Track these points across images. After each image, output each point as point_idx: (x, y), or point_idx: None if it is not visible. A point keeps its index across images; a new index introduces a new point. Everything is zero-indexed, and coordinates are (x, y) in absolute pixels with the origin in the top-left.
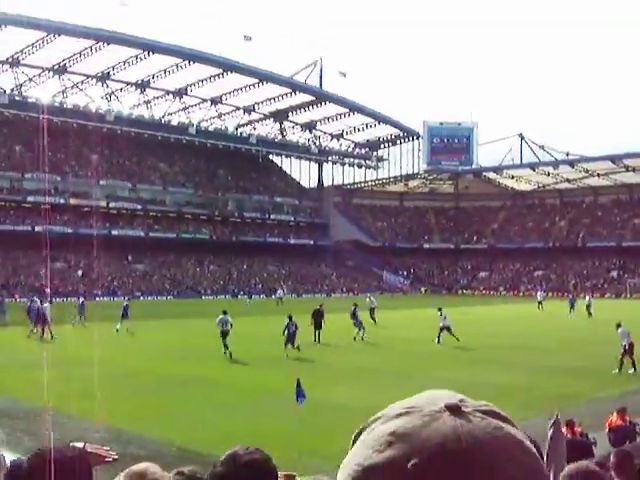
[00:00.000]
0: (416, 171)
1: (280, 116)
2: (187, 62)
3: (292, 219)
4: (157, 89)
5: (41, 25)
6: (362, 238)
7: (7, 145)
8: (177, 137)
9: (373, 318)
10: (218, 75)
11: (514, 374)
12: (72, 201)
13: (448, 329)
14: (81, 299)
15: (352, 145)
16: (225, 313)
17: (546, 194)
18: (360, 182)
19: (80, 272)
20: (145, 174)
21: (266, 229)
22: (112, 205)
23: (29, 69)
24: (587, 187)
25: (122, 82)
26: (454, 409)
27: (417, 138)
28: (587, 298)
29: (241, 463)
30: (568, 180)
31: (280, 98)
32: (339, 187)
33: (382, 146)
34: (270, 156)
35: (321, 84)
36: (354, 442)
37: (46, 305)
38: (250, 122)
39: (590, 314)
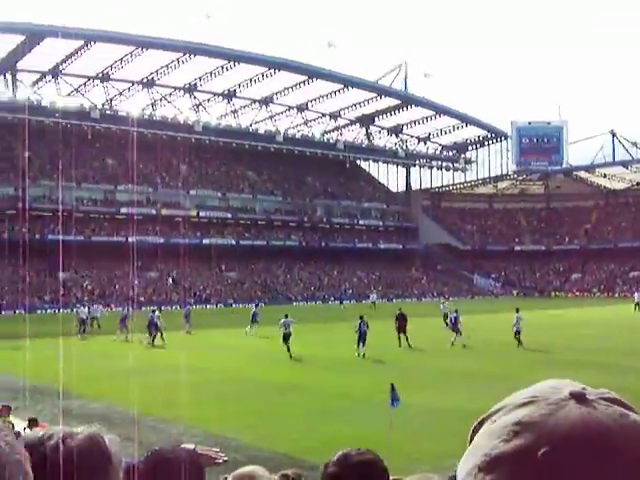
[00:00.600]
0: (505, 172)
1: (366, 121)
2: (272, 70)
3: (381, 224)
4: (243, 98)
5: (129, 40)
6: (452, 241)
7: (100, 158)
8: (265, 145)
9: (446, 323)
10: (303, 82)
11: (616, 377)
12: (163, 212)
13: (518, 332)
14: (187, 307)
15: (439, 148)
16: (287, 316)
17: None
18: (448, 185)
19: (170, 280)
20: (234, 183)
21: (355, 234)
22: (202, 214)
23: (119, 83)
24: None
25: (209, 93)
26: (579, 397)
27: (505, 139)
28: None
29: (353, 463)
30: None
31: (366, 103)
32: (427, 190)
33: (470, 148)
34: (357, 161)
35: (406, 87)
36: (473, 434)
37: (157, 314)
38: (336, 128)
39: None
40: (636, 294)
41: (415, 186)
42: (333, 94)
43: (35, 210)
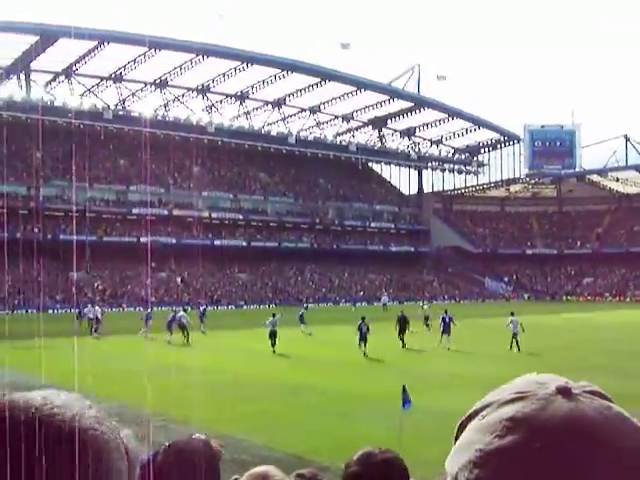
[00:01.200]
0: (517, 176)
1: (379, 123)
2: (285, 72)
3: (392, 226)
4: (256, 100)
5: (142, 41)
6: (463, 244)
7: (112, 159)
8: (277, 147)
9: (427, 325)
10: (316, 84)
11: (627, 381)
12: (175, 212)
13: (515, 335)
14: (202, 307)
15: (452, 151)
16: (274, 316)
17: None
18: (460, 188)
19: (179, 279)
20: (246, 184)
21: (367, 237)
22: (214, 216)
23: (132, 84)
24: None
25: (222, 94)
26: (565, 391)
27: (518, 142)
28: None
29: (376, 461)
30: None
31: (378, 105)
32: (439, 193)
33: (482, 151)
34: (369, 164)
35: (419, 90)
36: (460, 430)
37: (183, 314)
38: (349, 130)
39: None
40: None
41: (427, 189)
42: (346, 96)
43: (48, 210)
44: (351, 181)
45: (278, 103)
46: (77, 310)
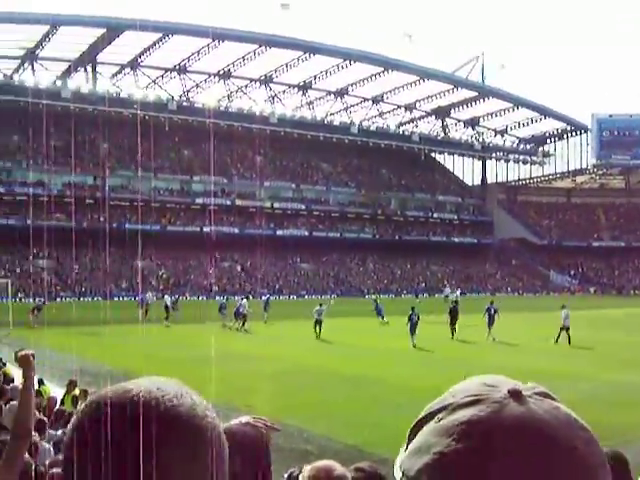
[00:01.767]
0: (584, 166)
1: (442, 113)
2: (348, 62)
3: (455, 217)
4: (319, 90)
5: (206, 32)
6: (527, 236)
7: (176, 149)
8: (339, 137)
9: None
10: (379, 74)
11: None
12: (238, 202)
13: (567, 329)
14: (266, 297)
15: (516, 141)
16: (321, 305)
17: None
18: (525, 179)
19: (239, 268)
20: (308, 174)
21: (429, 228)
22: (277, 206)
23: (195, 75)
24: None
25: (284, 84)
26: (517, 394)
27: (585, 132)
28: None
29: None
30: None
31: (442, 95)
32: (503, 184)
33: (548, 141)
34: (432, 154)
35: (483, 79)
36: (413, 432)
37: (244, 302)
38: (412, 120)
39: None
40: None
41: (491, 179)
42: (409, 86)
43: (113, 200)
44: (414, 171)
45: (341, 93)
46: (139, 298)
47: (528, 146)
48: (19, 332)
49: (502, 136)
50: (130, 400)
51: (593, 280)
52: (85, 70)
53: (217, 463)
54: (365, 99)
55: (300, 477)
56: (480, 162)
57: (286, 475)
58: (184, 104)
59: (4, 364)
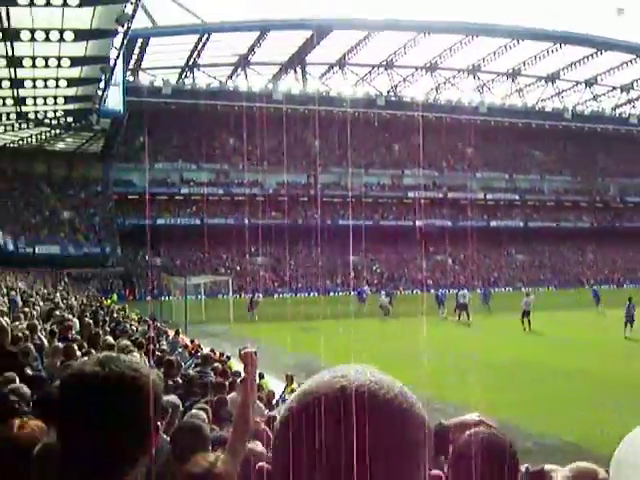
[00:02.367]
0: None
1: None
2: (557, 45)
3: None
4: (528, 76)
5: (411, 26)
6: None
7: (386, 144)
8: (552, 123)
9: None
10: (590, 55)
11: None
12: (450, 195)
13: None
14: (484, 289)
15: None
16: (527, 296)
17: None
18: None
19: (451, 260)
20: (521, 163)
21: None
22: (489, 197)
23: (402, 70)
24: None
25: (492, 73)
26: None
27: None
28: None
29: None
30: None
31: None
32: None
33: None
34: None
35: None
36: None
37: (465, 292)
38: (629, 101)
39: None
40: None
41: None
42: (624, 65)
43: (326, 197)
44: (633, 155)
45: (552, 78)
46: (356, 292)
47: None
48: (238, 327)
49: None
50: (342, 391)
51: None
52: (295, 72)
53: (421, 454)
54: (577, 82)
55: (560, 476)
56: None
57: (524, 468)
58: (392, 99)
59: (228, 358)
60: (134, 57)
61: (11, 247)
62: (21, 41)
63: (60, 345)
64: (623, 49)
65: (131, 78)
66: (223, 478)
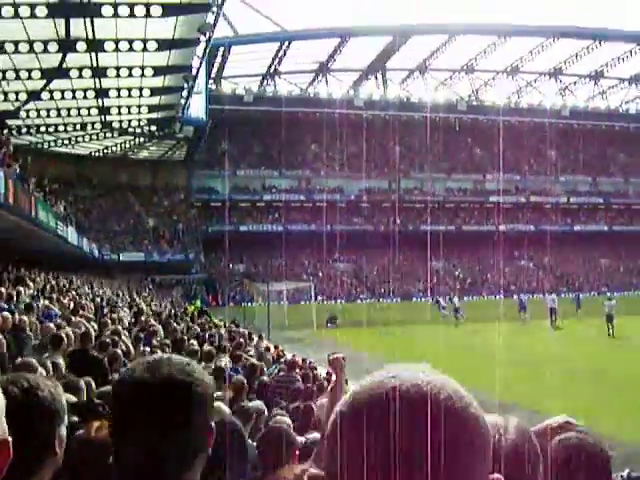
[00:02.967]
0: None
1: None
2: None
3: None
4: (611, 78)
5: (492, 30)
6: None
7: (468, 149)
8: (636, 125)
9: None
10: None
11: None
12: (532, 199)
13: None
14: (576, 293)
15: None
16: (610, 300)
17: None
18: None
19: (533, 265)
20: (605, 167)
21: None
22: (572, 200)
23: (483, 74)
24: None
25: (575, 75)
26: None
27: None
28: None
29: None
30: None
31: None
32: None
33: None
34: None
35: None
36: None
37: (553, 297)
38: None
39: None
40: None
41: None
42: None
43: (407, 202)
44: None
45: (636, 79)
46: (435, 299)
47: None
48: (320, 333)
49: None
50: (393, 391)
51: None
52: (375, 78)
53: (477, 455)
54: None
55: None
56: None
57: (625, 474)
58: (473, 103)
59: (314, 368)
60: (216, 66)
61: (96, 254)
62: (105, 52)
63: (146, 350)
64: None
65: (213, 86)
66: None
